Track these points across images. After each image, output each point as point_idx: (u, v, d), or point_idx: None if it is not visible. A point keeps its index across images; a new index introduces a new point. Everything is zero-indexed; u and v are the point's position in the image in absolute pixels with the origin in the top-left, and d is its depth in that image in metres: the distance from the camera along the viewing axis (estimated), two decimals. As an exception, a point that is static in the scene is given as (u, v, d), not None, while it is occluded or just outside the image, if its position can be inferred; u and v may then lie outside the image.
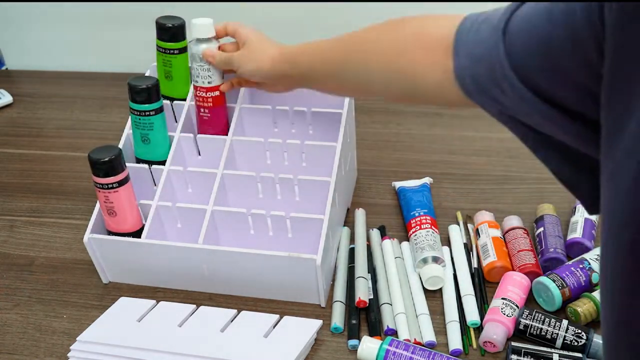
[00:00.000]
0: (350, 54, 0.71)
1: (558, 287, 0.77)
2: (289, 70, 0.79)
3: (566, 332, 0.72)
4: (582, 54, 0.44)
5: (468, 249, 0.87)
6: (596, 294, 0.76)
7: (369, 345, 0.73)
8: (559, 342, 0.72)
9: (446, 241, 0.89)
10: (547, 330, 0.73)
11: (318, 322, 0.77)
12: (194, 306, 0.80)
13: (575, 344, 0.72)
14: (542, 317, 0.74)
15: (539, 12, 0.48)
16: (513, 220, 0.88)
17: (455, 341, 0.75)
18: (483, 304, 0.79)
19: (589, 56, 0.44)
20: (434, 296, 0.82)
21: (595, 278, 0.79)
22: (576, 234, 0.85)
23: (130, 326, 0.77)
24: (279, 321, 0.77)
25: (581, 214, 0.88)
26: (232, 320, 0.78)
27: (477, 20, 0.57)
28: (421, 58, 0.62)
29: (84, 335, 0.77)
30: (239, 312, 0.79)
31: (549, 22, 0.47)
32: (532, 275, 0.80)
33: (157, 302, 0.81)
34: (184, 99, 0.92)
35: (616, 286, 0.42)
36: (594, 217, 0.87)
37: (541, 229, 0.87)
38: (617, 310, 0.43)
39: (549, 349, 0.71)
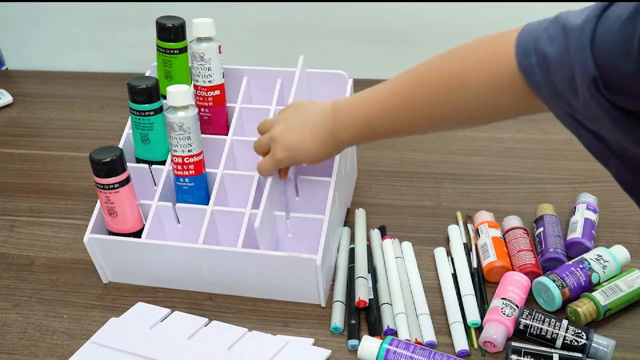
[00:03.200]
0: (413, 93, 0.68)
1: (558, 287, 0.77)
2: (344, 146, 0.77)
3: (566, 332, 0.72)
4: None
5: (468, 249, 0.87)
6: (596, 294, 0.76)
7: (369, 344, 0.73)
8: (559, 342, 0.72)
9: (446, 241, 0.89)
10: (547, 330, 0.73)
11: (327, 352, 0.74)
12: (206, 319, 0.79)
13: (575, 344, 0.72)
14: (542, 317, 0.74)
15: (631, 14, 0.47)
16: (513, 220, 0.88)
17: (461, 342, 0.74)
18: (483, 304, 0.79)
19: None
20: (434, 296, 0.82)
21: (595, 278, 0.79)
22: (576, 234, 0.85)
23: (141, 334, 0.76)
24: (286, 345, 0.75)
25: (581, 214, 0.88)
26: (239, 339, 0.76)
27: (542, 24, 0.57)
28: (491, 72, 0.61)
29: (96, 337, 0.77)
30: (249, 330, 0.78)
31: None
32: (532, 275, 0.80)
33: (172, 311, 0.80)
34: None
35: None
36: (593, 217, 0.87)
37: (541, 229, 0.87)
38: None
39: (549, 349, 0.71)
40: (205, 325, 0.78)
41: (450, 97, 0.65)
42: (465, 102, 0.64)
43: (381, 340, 0.73)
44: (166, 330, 0.77)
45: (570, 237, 0.86)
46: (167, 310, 0.80)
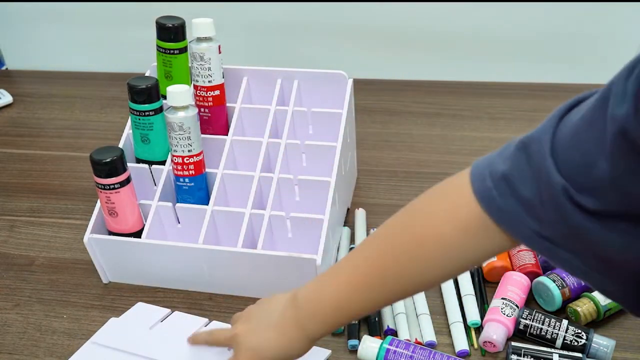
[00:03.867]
0: (379, 264, 0.59)
1: (558, 287, 0.77)
2: (317, 338, 0.64)
3: (566, 332, 0.72)
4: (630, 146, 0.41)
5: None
6: (596, 294, 0.76)
7: (369, 344, 0.72)
8: (559, 342, 0.72)
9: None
10: (547, 330, 0.73)
11: (327, 352, 0.74)
12: (206, 320, 0.79)
13: (575, 344, 0.72)
14: (542, 317, 0.74)
15: (583, 122, 0.45)
16: None
17: (461, 342, 0.74)
18: (483, 304, 0.79)
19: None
20: (434, 296, 0.82)
21: (595, 278, 0.79)
22: None
23: (141, 334, 0.76)
24: None
25: None
26: None
27: (493, 152, 0.54)
28: (450, 226, 0.55)
29: (96, 337, 0.77)
30: None
31: (590, 127, 0.44)
32: (532, 275, 0.80)
33: (172, 311, 0.80)
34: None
35: None
36: None
37: None
38: None
39: (549, 349, 0.71)
40: (206, 325, 0.78)
41: (419, 260, 0.57)
42: (435, 260, 0.56)
43: (381, 340, 0.73)
44: (166, 331, 0.77)
45: None
46: (167, 311, 0.80)
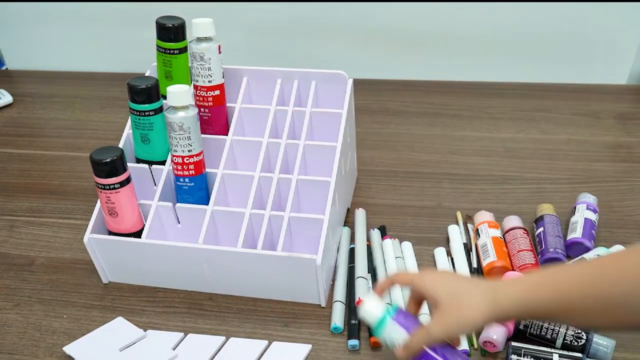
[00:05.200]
0: (612, 285, 0.56)
1: (558, 287, 0.77)
2: (513, 316, 0.63)
3: (566, 332, 0.72)
4: None
5: (468, 249, 0.87)
6: (596, 294, 0.76)
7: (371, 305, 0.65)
8: (559, 342, 0.72)
9: (446, 241, 0.89)
10: (547, 330, 0.73)
11: (307, 347, 0.76)
12: (182, 334, 0.78)
13: (575, 344, 0.72)
14: (542, 317, 0.74)
15: None
16: (513, 220, 0.88)
17: (461, 342, 0.74)
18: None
19: None
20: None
21: (595, 278, 0.78)
22: (576, 234, 0.85)
23: (109, 355, 0.75)
24: (267, 347, 0.76)
25: (581, 214, 0.88)
26: (220, 348, 0.76)
27: None
28: None
29: (71, 347, 0.77)
30: (227, 339, 0.77)
31: None
32: None
33: (146, 331, 0.79)
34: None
35: None
36: (593, 217, 0.87)
37: (541, 229, 0.87)
38: None
39: (549, 349, 0.71)
40: (182, 340, 0.77)
41: None
42: None
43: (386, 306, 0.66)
44: (135, 355, 0.75)
45: (570, 237, 0.86)
46: (141, 333, 0.78)
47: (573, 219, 0.88)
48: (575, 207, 0.90)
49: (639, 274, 0.54)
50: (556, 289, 0.58)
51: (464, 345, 0.74)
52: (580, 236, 0.85)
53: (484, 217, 0.89)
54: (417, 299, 0.67)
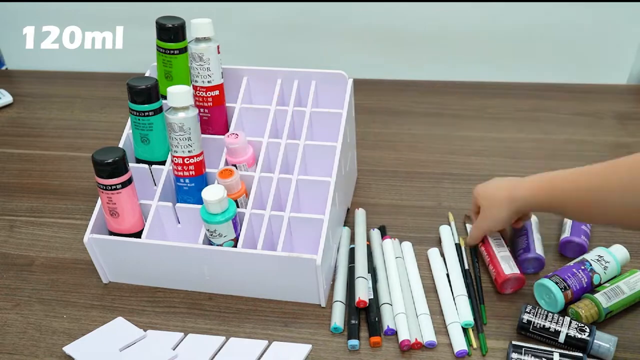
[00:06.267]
0: (619, 182, 0.66)
1: (561, 289, 0.77)
2: (524, 212, 0.81)
3: (569, 326, 0.72)
4: None
5: (460, 249, 0.87)
6: (597, 295, 0.76)
7: None
8: (562, 337, 0.72)
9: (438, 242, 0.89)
10: (551, 325, 0.73)
11: (307, 347, 0.76)
12: (182, 334, 0.78)
13: (580, 336, 0.71)
14: (545, 312, 0.74)
15: None
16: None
17: (459, 342, 0.75)
18: (479, 304, 0.80)
19: None
20: (433, 296, 0.82)
21: (596, 279, 0.79)
22: (565, 233, 0.86)
23: (109, 355, 0.75)
24: (267, 347, 0.76)
25: None
26: (220, 348, 0.76)
27: None
28: None
29: (71, 347, 0.77)
30: (227, 339, 0.78)
31: None
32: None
33: (146, 331, 0.79)
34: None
35: None
36: None
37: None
38: None
39: (549, 348, 0.71)
40: (182, 340, 0.78)
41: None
42: None
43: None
44: (135, 355, 0.75)
45: (562, 237, 0.86)
46: (142, 332, 0.78)
47: (564, 220, 0.89)
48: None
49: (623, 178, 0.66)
50: (554, 189, 0.75)
51: (463, 345, 0.74)
52: (569, 235, 0.85)
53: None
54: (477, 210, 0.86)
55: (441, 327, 0.78)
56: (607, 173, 0.68)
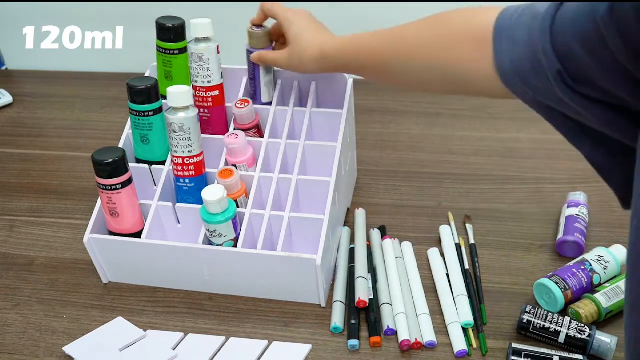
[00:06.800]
0: (396, 51, 0.71)
1: (561, 289, 0.77)
2: (332, 68, 0.81)
3: (569, 326, 0.72)
4: (620, 41, 0.44)
5: (460, 249, 0.87)
6: (597, 295, 0.76)
7: None
8: (562, 337, 0.72)
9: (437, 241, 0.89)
10: (551, 322, 0.73)
11: (307, 347, 0.76)
12: (182, 334, 0.78)
13: (580, 336, 0.71)
14: (545, 312, 0.74)
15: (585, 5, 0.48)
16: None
17: (459, 343, 0.75)
18: (479, 304, 0.80)
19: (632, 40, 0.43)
20: (433, 296, 0.82)
21: (596, 279, 0.79)
22: (560, 234, 0.87)
23: (109, 355, 0.75)
24: (267, 347, 0.76)
25: (563, 214, 0.90)
26: (220, 348, 0.76)
27: (518, 10, 0.58)
28: (470, 52, 0.62)
29: (71, 347, 0.77)
30: (227, 339, 0.78)
31: (592, 13, 0.46)
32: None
33: (146, 331, 0.79)
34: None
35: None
36: (575, 212, 0.88)
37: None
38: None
39: (549, 351, 0.71)
40: (182, 340, 0.78)
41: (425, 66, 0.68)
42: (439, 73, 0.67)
43: None
44: (135, 355, 0.75)
45: (558, 238, 0.87)
46: (141, 332, 0.78)
47: (560, 220, 0.89)
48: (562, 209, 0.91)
49: (417, 43, 0.69)
50: (357, 49, 0.76)
51: (462, 345, 0.74)
52: (563, 235, 0.86)
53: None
54: (264, 19, 0.87)
55: (441, 327, 0.78)
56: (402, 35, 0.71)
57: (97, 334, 0.78)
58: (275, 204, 0.84)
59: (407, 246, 0.88)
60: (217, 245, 0.79)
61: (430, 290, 0.82)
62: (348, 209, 0.96)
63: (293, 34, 0.81)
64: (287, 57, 0.82)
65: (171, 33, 0.88)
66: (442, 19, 0.67)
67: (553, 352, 0.71)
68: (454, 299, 0.80)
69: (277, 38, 0.88)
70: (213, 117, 0.90)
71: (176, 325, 0.80)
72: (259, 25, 0.87)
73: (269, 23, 0.88)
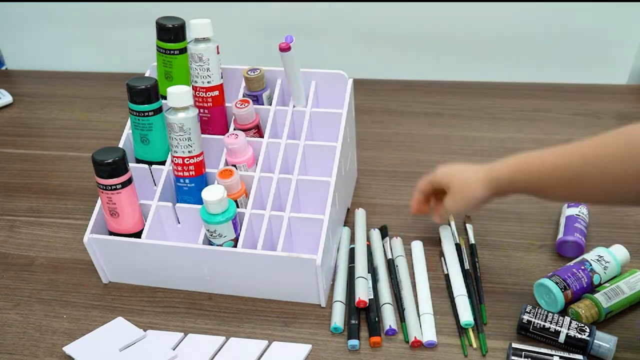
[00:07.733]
0: (586, 164, 0.68)
1: (561, 289, 0.77)
2: (501, 193, 0.77)
3: (570, 325, 0.72)
4: None
5: (461, 249, 0.87)
6: (597, 295, 0.76)
7: None
8: (562, 337, 0.72)
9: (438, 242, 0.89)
10: (551, 322, 0.73)
11: (307, 347, 0.76)
12: (182, 334, 0.78)
13: (580, 335, 0.71)
14: (545, 312, 0.74)
15: None
16: None
17: (428, 333, 0.76)
18: (479, 304, 0.80)
19: None
20: (433, 296, 0.82)
21: (596, 279, 0.79)
22: (560, 234, 0.87)
23: (109, 354, 0.75)
24: (267, 347, 0.76)
25: (563, 214, 0.89)
26: (220, 348, 0.76)
27: None
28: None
29: (71, 347, 0.77)
30: (227, 339, 0.78)
31: None
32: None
33: (146, 331, 0.79)
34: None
35: None
36: (575, 212, 0.88)
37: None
38: None
39: (549, 351, 0.71)
40: (182, 340, 0.78)
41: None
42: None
43: None
44: (135, 355, 0.75)
45: (557, 238, 0.87)
46: (142, 332, 0.78)
47: (560, 220, 0.89)
48: (562, 209, 0.91)
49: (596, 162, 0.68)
50: (531, 172, 0.72)
51: (432, 336, 0.75)
52: (563, 235, 0.86)
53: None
54: (431, 191, 0.85)
55: (441, 327, 0.78)
56: (599, 146, 0.69)
57: (97, 334, 0.78)
58: (275, 204, 0.84)
59: (417, 245, 0.88)
60: (217, 245, 0.79)
61: (436, 290, 0.82)
62: (348, 209, 0.96)
63: (455, 181, 0.80)
64: (449, 202, 0.80)
65: (171, 33, 0.88)
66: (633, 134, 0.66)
67: (553, 352, 0.71)
68: (452, 300, 0.80)
69: (429, 197, 0.87)
70: (213, 117, 0.90)
71: (176, 325, 0.80)
72: (254, 69, 0.89)
73: (262, 65, 0.90)
